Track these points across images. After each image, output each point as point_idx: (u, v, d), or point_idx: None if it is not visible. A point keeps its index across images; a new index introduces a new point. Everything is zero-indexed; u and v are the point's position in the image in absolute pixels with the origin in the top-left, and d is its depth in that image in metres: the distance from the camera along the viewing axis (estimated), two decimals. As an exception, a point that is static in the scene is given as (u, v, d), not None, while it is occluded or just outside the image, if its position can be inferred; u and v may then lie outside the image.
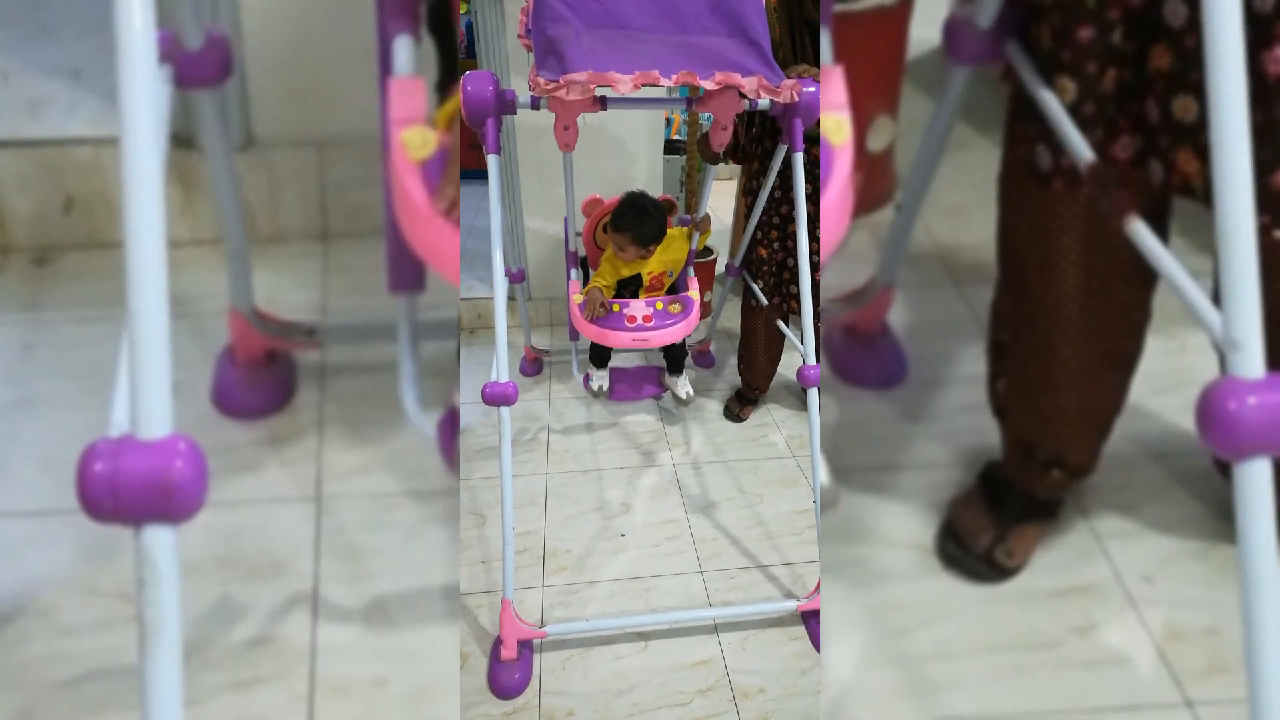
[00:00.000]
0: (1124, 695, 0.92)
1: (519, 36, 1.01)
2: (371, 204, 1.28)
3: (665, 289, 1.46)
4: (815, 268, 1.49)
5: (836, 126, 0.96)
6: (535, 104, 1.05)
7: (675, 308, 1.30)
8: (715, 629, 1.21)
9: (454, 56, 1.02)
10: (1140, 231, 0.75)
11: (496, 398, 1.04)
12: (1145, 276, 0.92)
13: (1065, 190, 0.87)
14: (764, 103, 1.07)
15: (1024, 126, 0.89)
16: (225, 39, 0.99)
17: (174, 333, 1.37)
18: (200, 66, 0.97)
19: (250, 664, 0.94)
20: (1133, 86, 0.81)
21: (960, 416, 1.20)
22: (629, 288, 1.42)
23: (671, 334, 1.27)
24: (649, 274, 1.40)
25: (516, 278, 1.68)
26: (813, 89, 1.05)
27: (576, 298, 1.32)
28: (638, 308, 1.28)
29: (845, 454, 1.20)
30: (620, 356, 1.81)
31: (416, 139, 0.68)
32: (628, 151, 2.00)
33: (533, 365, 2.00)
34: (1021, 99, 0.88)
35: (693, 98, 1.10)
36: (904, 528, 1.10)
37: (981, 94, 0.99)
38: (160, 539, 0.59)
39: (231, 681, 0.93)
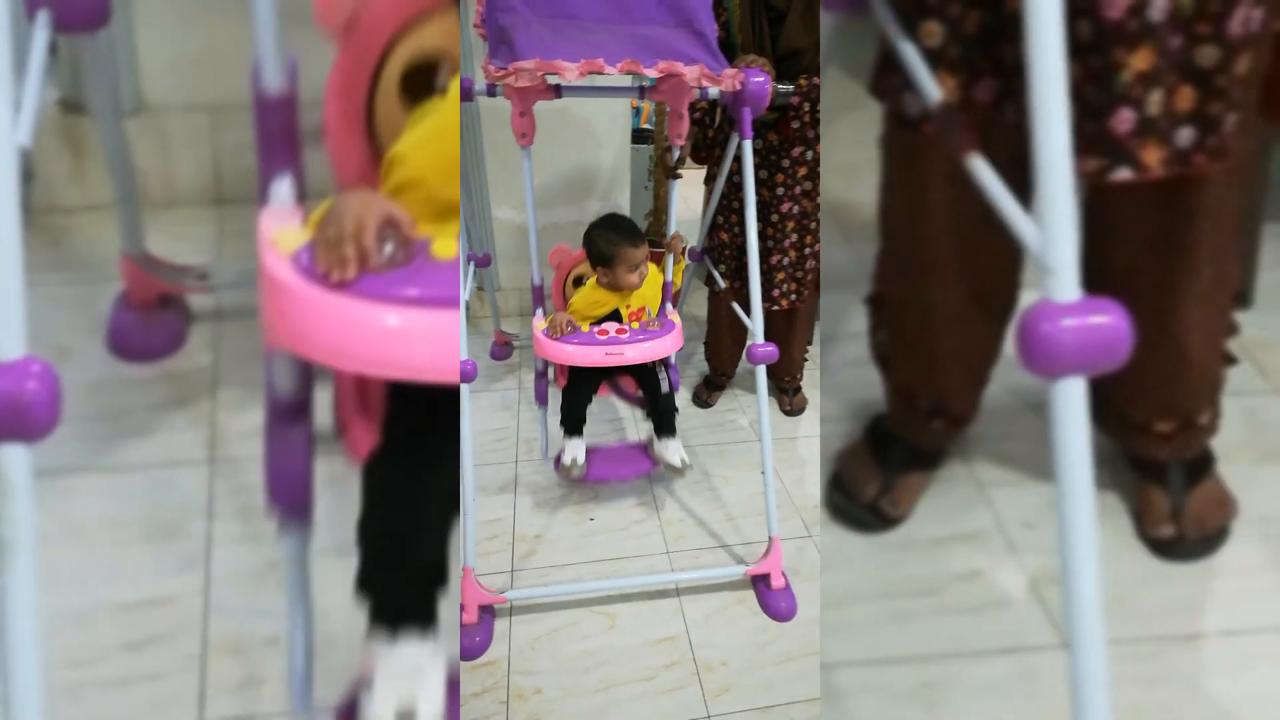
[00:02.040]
0: (1004, 638, 0.95)
1: (474, 25, 1.02)
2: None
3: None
4: (770, 251, 1.53)
5: (283, 238, 0.78)
6: (491, 91, 1.06)
7: (654, 325, 1.25)
8: (680, 606, 1.24)
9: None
10: (979, 168, 0.74)
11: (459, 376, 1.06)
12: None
13: (932, 136, 0.86)
14: (714, 91, 1.10)
15: (890, 77, 0.90)
16: None
17: (69, 298, 1.36)
18: (78, 11, 0.98)
19: (141, 625, 0.95)
20: (993, 29, 0.82)
21: (851, 371, 1.20)
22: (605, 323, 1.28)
23: (648, 349, 1.16)
24: (627, 308, 1.30)
25: (482, 262, 1.69)
26: (761, 79, 1.08)
27: (540, 325, 1.24)
28: (610, 325, 1.23)
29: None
30: (597, 428, 1.65)
31: (286, 235, 0.66)
32: (595, 139, 2.01)
33: (503, 350, 2.02)
34: (889, 51, 0.88)
35: (644, 86, 1.12)
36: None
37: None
38: (15, 457, 0.60)
39: (122, 643, 0.94)
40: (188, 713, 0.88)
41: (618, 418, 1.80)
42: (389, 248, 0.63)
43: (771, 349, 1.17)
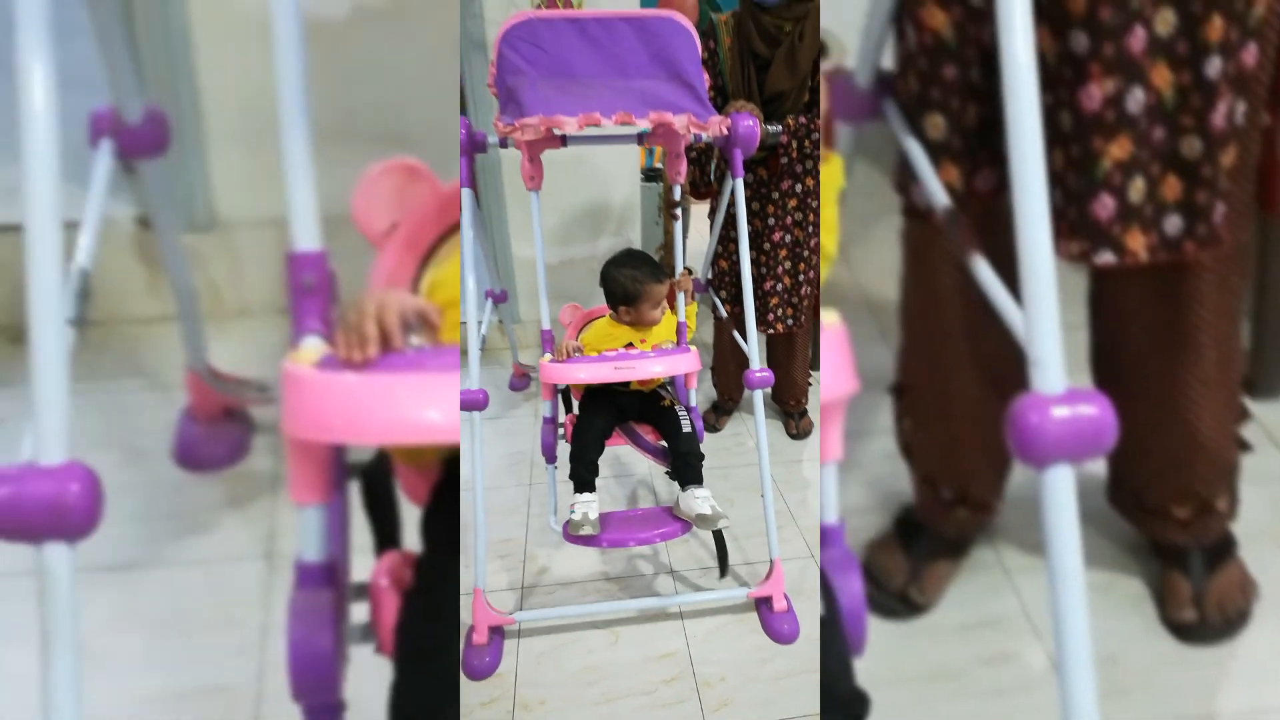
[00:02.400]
0: (1025, 718, 0.96)
1: (488, 85, 1.14)
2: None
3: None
4: (764, 278, 1.60)
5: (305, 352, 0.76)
6: (504, 143, 1.17)
7: (667, 345, 1.21)
8: (682, 624, 1.28)
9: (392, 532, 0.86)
10: (980, 268, 0.77)
11: (469, 404, 1.14)
12: None
13: (940, 227, 0.89)
14: (706, 136, 1.19)
15: (905, 174, 0.95)
16: (162, 114, 1.07)
17: (142, 404, 1.45)
18: (140, 140, 1.04)
19: (198, 710, 0.98)
20: (991, 120, 0.85)
21: (883, 464, 1.23)
22: None
23: (666, 365, 1.08)
24: (642, 342, 1.22)
25: (499, 298, 1.79)
26: (750, 122, 1.17)
27: (545, 358, 1.18)
28: (619, 349, 1.17)
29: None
30: (614, 492, 1.54)
31: (308, 351, 0.67)
32: (606, 180, 2.13)
33: (521, 380, 2.11)
34: (903, 151, 0.94)
35: (643, 132, 1.22)
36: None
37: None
38: (57, 555, 0.64)
39: None
40: None
41: (628, 472, 1.76)
42: (414, 339, 0.64)
43: (768, 374, 1.23)
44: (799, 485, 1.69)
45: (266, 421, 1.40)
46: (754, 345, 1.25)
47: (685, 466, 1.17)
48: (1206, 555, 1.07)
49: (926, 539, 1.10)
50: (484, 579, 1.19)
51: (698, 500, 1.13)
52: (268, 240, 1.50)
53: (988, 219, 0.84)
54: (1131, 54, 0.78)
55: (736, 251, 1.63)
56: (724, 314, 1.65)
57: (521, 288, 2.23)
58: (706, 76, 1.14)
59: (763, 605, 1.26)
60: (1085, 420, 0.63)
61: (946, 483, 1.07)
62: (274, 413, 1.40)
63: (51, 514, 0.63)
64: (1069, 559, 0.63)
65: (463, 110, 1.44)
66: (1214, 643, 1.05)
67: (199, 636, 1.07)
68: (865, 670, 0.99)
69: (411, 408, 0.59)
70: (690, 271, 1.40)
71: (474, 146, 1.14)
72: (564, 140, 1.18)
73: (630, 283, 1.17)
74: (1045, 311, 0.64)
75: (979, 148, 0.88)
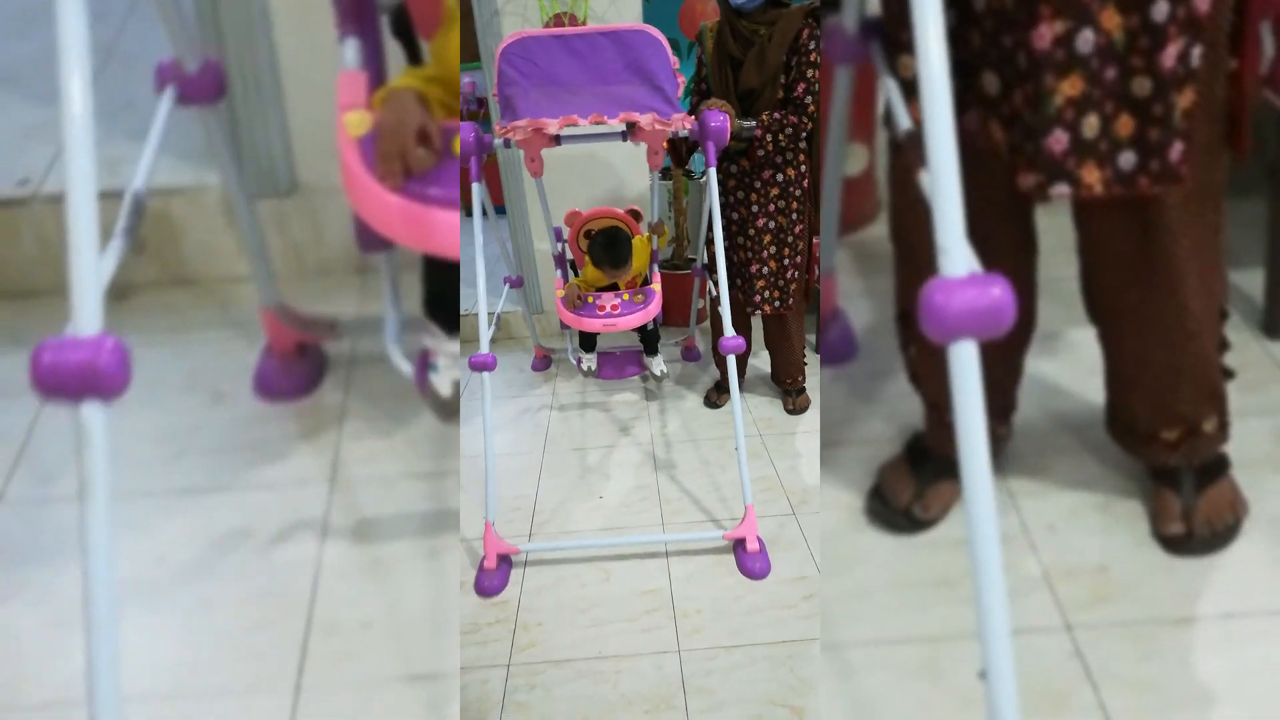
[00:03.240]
0: (1012, 622, 1.01)
1: (493, 94, 1.34)
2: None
3: (637, 285, 1.78)
4: (750, 261, 1.75)
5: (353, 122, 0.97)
6: (506, 144, 1.38)
7: (639, 299, 1.60)
8: (667, 564, 1.44)
9: (416, 51, 1.14)
10: (924, 182, 0.79)
11: (479, 365, 1.35)
12: (1022, 241, 1.05)
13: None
14: (684, 131, 1.36)
15: (890, 112, 0.99)
16: (217, 64, 1.17)
17: (229, 351, 1.61)
18: (198, 87, 1.14)
19: (257, 611, 1.11)
20: (958, 62, 0.90)
21: (907, 400, 1.30)
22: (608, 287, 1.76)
23: (634, 319, 1.57)
24: (623, 280, 1.76)
25: (515, 283, 2.00)
26: (721, 119, 1.32)
27: (559, 292, 1.68)
28: (607, 299, 1.60)
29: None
30: (606, 341, 2.15)
31: (355, 120, 0.85)
32: (618, 175, 2.32)
33: (542, 362, 2.31)
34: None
35: (627, 131, 1.40)
36: (839, 493, 1.25)
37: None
38: (93, 413, 0.72)
39: (240, 627, 1.11)
40: (287, 683, 1.04)
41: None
42: (422, 153, 0.86)
43: (739, 340, 1.38)
44: (790, 455, 1.81)
45: (339, 357, 1.52)
46: (727, 313, 1.41)
47: (647, 344, 2.00)
48: (1197, 474, 1.12)
49: (932, 461, 1.16)
50: (494, 513, 1.39)
51: (654, 364, 1.98)
52: (345, 205, 1.71)
53: (968, 155, 0.85)
54: None
55: (726, 238, 1.80)
56: (714, 293, 1.80)
57: (543, 279, 2.44)
58: (681, 79, 1.30)
59: (738, 546, 1.41)
60: (985, 300, 0.68)
61: (949, 408, 1.15)
62: (345, 348, 1.53)
63: (87, 377, 0.71)
64: (973, 423, 0.70)
65: (487, 117, 1.66)
66: (1200, 555, 1.10)
67: (263, 550, 1.22)
68: (869, 577, 1.09)
69: (422, 229, 0.85)
70: (664, 221, 1.85)
71: (480, 148, 1.34)
72: (558, 140, 1.37)
73: (597, 264, 1.73)
74: (949, 203, 0.70)
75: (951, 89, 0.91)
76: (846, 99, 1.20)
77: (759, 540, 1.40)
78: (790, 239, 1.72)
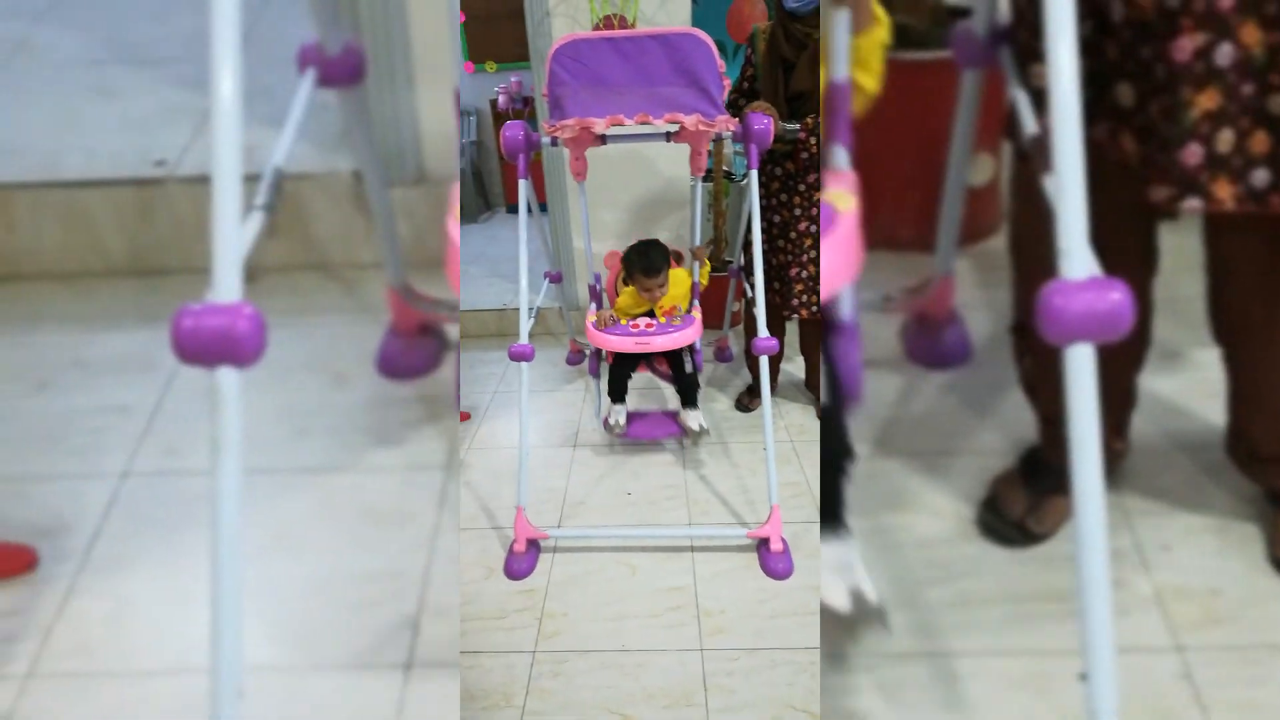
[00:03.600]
0: (1121, 640, 0.97)
1: (543, 94, 1.38)
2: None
3: (675, 315, 1.62)
4: (789, 264, 1.73)
5: (839, 198, 1.00)
6: (554, 143, 1.41)
7: (677, 320, 1.54)
8: (692, 562, 1.44)
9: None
10: (1049, 185, 0.79)
11: (517, 356, 1.39)
12: (1143, 256, 1.04)
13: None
14: (727, 134, 1.37)
15: (1014, 121, 0.99)
16: (358, 48, 1.17)
17: (355, 335, 1.60)
18: (338, 69, 1.15)
19: (372, 591, 1.13)
20: (1094, 73, 0.90)
21: (1021, 413, 1.27)
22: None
23: (670, 340, 1.44)
24: (660, 308, 1.61)
25: (555, 278, 2.04)
26: (765, 121, 1.33)
27: (591, 318, 1.59)
28: (641, 320, 1.54)
29: (908, 438, 1.35)
30: (638, 394, 1.94)
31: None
32: (661, 177, 2.34)
33: (577, 356, 2.35)
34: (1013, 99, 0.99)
35: (671, 133, 1.42)
36: (948, 502, 1.24)
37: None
38: (228, 377, 0.74)
39: (353, 604, 1.11)
40: (399, 659, 1.07)
41: (658, 390, 2.09)
42: None
43: (773, 342, 1.38)
44: (819, 461, 1.80)
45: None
46: (762, 314, 1.41)
47: (685, 393, 1.69)
48: None
49: (1047, 475, 1.15)
50: (526, 498, 1.43)
51: (691, 418, 1.67)
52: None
53: (1087, 164, 0.82)
54: (1220, 10, 0.83)
55: (766, 241, 1.79)
56: (750, 295, 1.80)
57: (581, 275, 2.48)
58: (727, 82, 1.32)
59: (762, 546, 1.41)
60: (1104, 304, 0.69)
61: (1066, 419, 1.13)
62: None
63: (224, 342, 0.73)
64: (1087, 427, 0.71)
65: (533, 115, 1.69)
66: None
67: (381, 530, 1.22)
68: (977, 588, 1.09)
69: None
70: (706, 247, 1.69)
71: (529, 146, 1.38)
72: (603, 139, 1.39)
73: (627, 270, 1.59)
74: (1073, 206, 0.71)
75: (1083, 97, 0.88)
76: (973, 104, 1.19)
77: (783, 541, 1.40)
78: (831, 244, 1.71)
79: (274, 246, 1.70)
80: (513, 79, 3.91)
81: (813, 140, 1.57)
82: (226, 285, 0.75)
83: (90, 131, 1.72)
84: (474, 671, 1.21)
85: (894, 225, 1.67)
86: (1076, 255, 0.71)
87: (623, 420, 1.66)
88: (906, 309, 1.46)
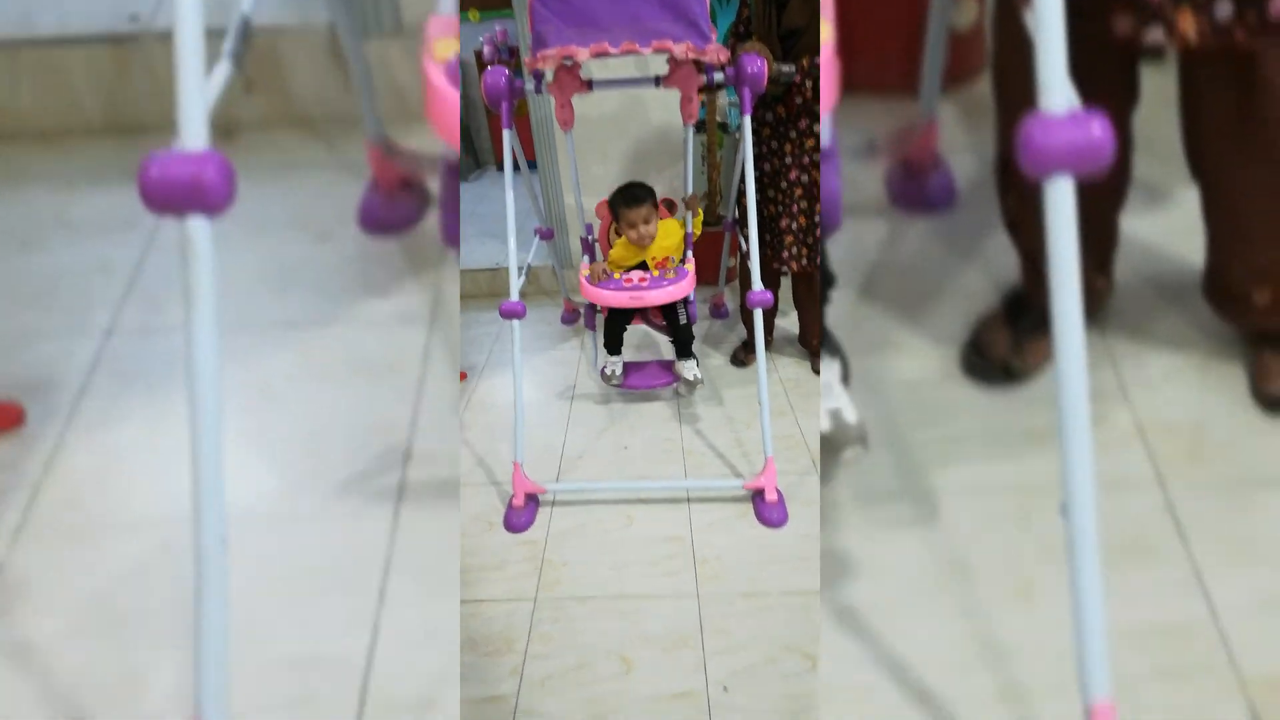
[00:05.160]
0: (1104, 474, 0.98)
1: (527, 64, 1.30)
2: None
3: (668, 266, 1.59)
4: (779, 215, 1.70)
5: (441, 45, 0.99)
6: (538, 88, 1.36)
7: (670, 274, 1.51)
8: (689, 512, 1.47)
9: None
10: (1028, 19, 0.76)
11: (509, 313, 1.37)
12: (1124, 89, 1.03)
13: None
14: (719, 76, 1.32)
15: None
16: None
17: (336, 192, 1.55)
18: None
19: (361, 438, 1.16)
20: None
21: (1005, 254, 1.27)
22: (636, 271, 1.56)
23: (664, 294, 1.43)
24: (652, 259, 1.58)
25: (546, 235, 2.01)
26: (759, 64, 1.28)
27: (584, 271, 1.56)
28: (635, 274, 1.51)
29: (893, 283, 1.34)
30: (634, 349, 1.97)
31: (443, 45, 0.90)
32: (652, 127, 2.28)
33: (571, 315, 2.34)
34: None
35: (659, 76, 1.36)
36: (932, 344, 1.24)
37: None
38: (198, 226, 0.73)
39: (346, 450, 1.14)
40: (386, 512, 1.09)
41: (654, 344, 2.10)
42: None
43: (767, 295, 1.37)
44: (813, 413, 1.80)
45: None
46: (755, 267, 1.39)
47: (680, 345, 1.68)
48: None
49: (1030, 314, 1.15)
50: (522, 454, 1.43)
51: (685, 369, 1.68)
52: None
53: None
54: None
55: (758, 192, 1.75)
56: (744, 249, 1.77)
57: (574, 232, 2.44)
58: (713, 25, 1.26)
59: (756, 497, 1.43)
60: (1083, 137, 0.68)
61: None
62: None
63: (192, 191, 0.72)
64: (1067, 262, 0.71)
65: (518, 67, 1.62)
66: None
67: (367, 383, 1.25)
68: (961, 428, 1.10)
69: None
70: (698, 196, 1.66)
71: (513, 93, 1.33)
72: (590, 85, 1.34)
73: (612, 208, 1.56)
74: (1052, 40, 0.70)
75: None
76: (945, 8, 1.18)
77: (778, 491, 1.42)
78: (824, 193, 1.68)
79: (252, 103, 1.66)
80: (497, 28, 3.76)
81: (807, 83, 1.52)
82: (193, 134, 0.73)
83: (62, -13, 1.67)
84: (475, 619, 1.23)
85: (878, 68, 1.63)
86: (1056, 88, 0.70)
87: (619, 371, 1.69)
88: (891, 154, 1.44)
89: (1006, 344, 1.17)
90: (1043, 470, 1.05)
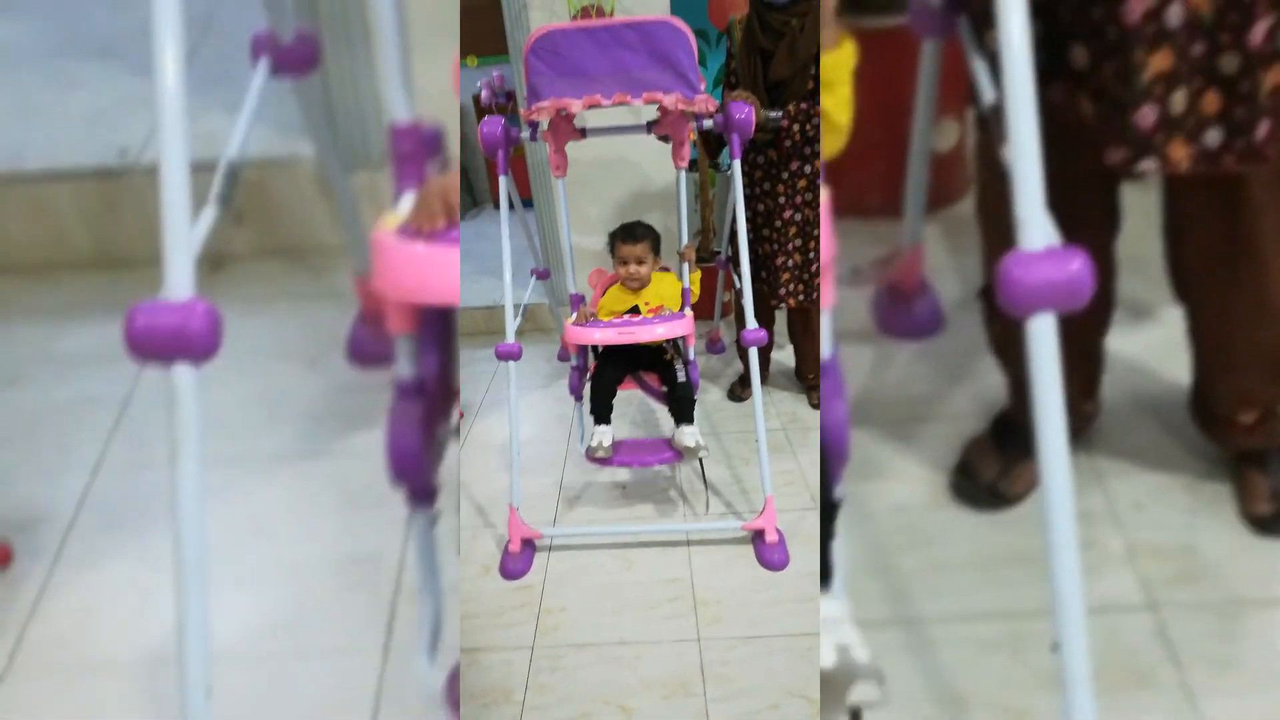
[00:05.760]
0: (1095, 599, 0.98)
1: (523, 93, 1.35)
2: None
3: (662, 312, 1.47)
4: (775, 254, 1.72)
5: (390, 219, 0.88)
6: (533, 135, 1.39)
7: (668, 309, 1.44)
8: (688, 555, 1.44)
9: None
10: (1006, 157, 0.78)
11: (505, 355, 1.38)
12: (1105, 218, 1.04)
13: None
14: (708, 123, 1.36)
15: (975, 90, 0.99)
16: (313, 36, 1.15)
17: (323, 321, 1.56)
18: (292, 58, 1.13)
19: (347, 575, 1.14)
20: (1048, 36, 0.89)
21: (993, 377, 1.28)
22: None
23: (656, 329, 1.30)
24: (645, 304, 1.47)
25: (542, 275, 2.03)
26: (747, 110, 1.32)
27: (569, 320, 1.44)
28: (626, 316, 1.42)
29: (881, 408, 1.35)
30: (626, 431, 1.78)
31: (391, 219, 0.81)
32: (644, 174, 2.33)
33: (566, 353, 2.33)
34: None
35: (652, 123, 1.40)
36: (921, 468, 1.24)
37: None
38: (184, 374, 0.74)
39: (325, 603, 1.11)
40: (376, 645, 1.05)
41: (653, 418, 2.01)
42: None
43: (761, 333, 1.38)
44: (812, 449, 1.80)
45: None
46: (749, 303, 1.41)
47: (679, 409, 1.45)
48: None
49: (1018, 438, 1.14)
50: (519, 498, 1.42)
51: (686, 435, 1.42)
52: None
53: (1045, 126, 0.80)
54: None
55: (751, 230, 1.78)
56: (738, 285, 1.79)
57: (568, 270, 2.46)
58: (702, 73, 1.30)
59: (757, 538, 1.41)
60: (1062, 275, 0.69)
61: None
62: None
63: (177, 340, 0.73)
64: (1050, 396, 0.71)
65: (515, 111, 1.66)
66: None
67: (356, 514, 1.22)
68: (951, 553, 1.09)
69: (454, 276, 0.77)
70: (694, 246, 1.59)
71: (508, 141, 1.36)
72: (583, 133, 1.38)
73: (611, 244, 1.48)
74: (1028, 175, 0.71)
75: (1035, 61, 0.83)
76: (934, 73, 1.19)
77: (778, 532, 1.40)
78: (816, 232, 1.71)
79: (240, 234, 1.68)
80: (495, 73, 3.86)
81: (795, 127, 1.56)
82: (178, 283, 0.74)
83: (52, 123, 1.70)
84: (473, 669, 1.21)
85: (861, 192, 1.66)
86: (1034, 224, 0.71)
87: (607, 442, 1.39)
88: (877, 280, 1.46)
89: (995, 467, 1.17)
90: (1034, 595, 1.03)
